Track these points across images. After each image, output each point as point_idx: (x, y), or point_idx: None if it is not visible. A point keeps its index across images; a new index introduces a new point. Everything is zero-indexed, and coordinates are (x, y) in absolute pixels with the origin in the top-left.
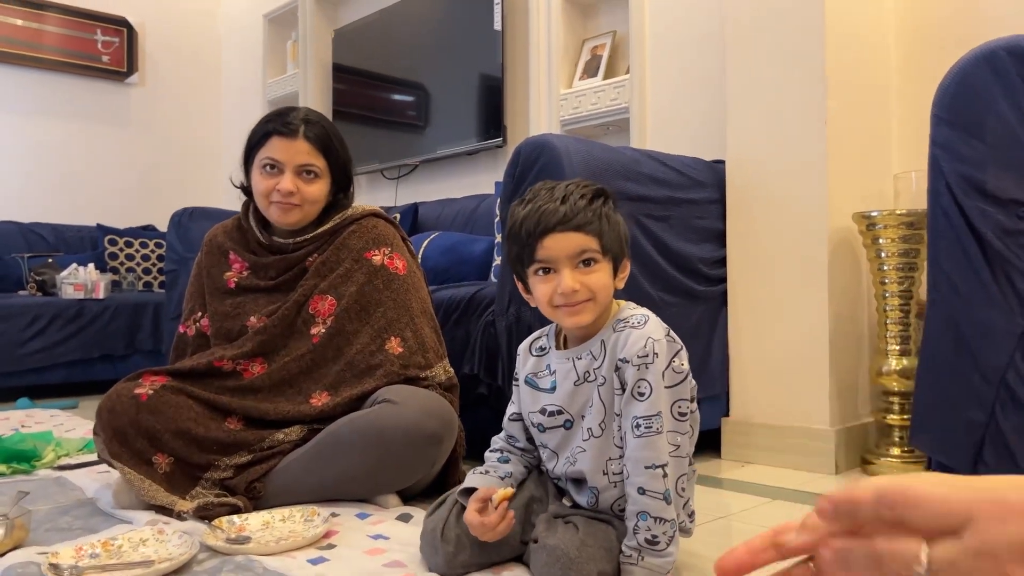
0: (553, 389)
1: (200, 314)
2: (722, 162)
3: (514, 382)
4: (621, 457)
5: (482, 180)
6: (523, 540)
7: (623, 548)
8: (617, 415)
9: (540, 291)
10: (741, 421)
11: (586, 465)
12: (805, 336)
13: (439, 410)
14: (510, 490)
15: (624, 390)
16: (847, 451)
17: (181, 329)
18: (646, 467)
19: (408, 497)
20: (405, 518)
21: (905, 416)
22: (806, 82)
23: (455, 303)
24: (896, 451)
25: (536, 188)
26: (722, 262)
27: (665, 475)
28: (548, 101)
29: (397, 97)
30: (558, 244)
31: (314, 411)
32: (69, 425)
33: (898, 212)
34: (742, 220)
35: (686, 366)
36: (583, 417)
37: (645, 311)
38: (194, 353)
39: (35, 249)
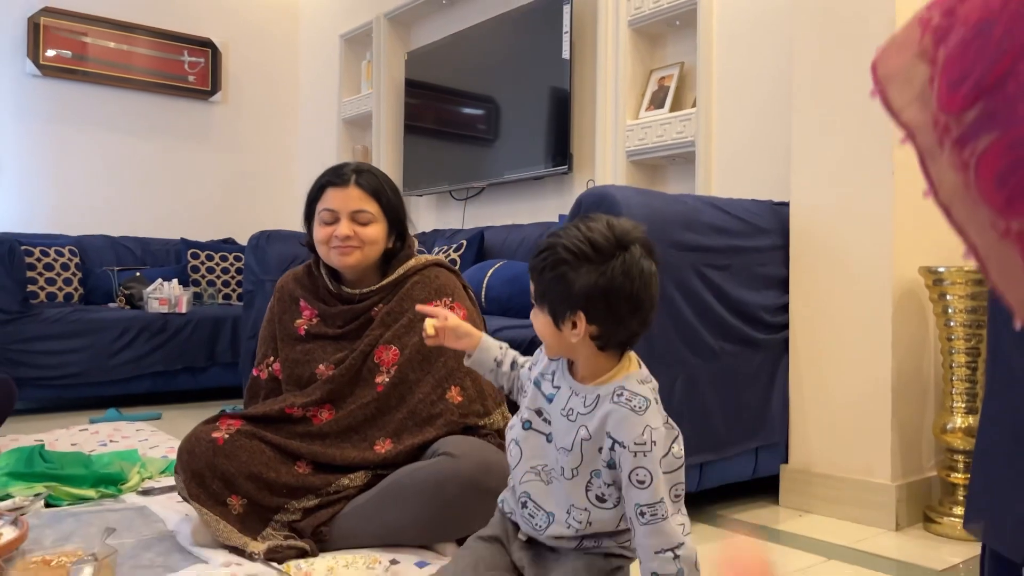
0: (550, 401)
1: (272, 359)
2: (787, 204)
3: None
4: (586, 510)
5: (547, 205)
6: None
7: None
8: (598, 476)
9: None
10: (801, 469)
11: (556, 495)
12: (867, 387)
13: (497, 464)
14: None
15: (614, 468)
16: (909, 506)
17: (255, 372)
18: (656, 552)
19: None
20: None
21: (969, 475)
22: (874, 130)
23: (516, 345)
24: (959, 510)
25: (572, 226)
26: (784, 308)
27: (676, 556)
28: (614, 131)
29: (467, 111)
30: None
31: (378, 458)
32: (153, 441)
33: (966, 268)
34: (805, 267)
35: (682, 451)
36: (559, 449)
37: (648, 394)
38: (267, 395)
39: (124, 262)
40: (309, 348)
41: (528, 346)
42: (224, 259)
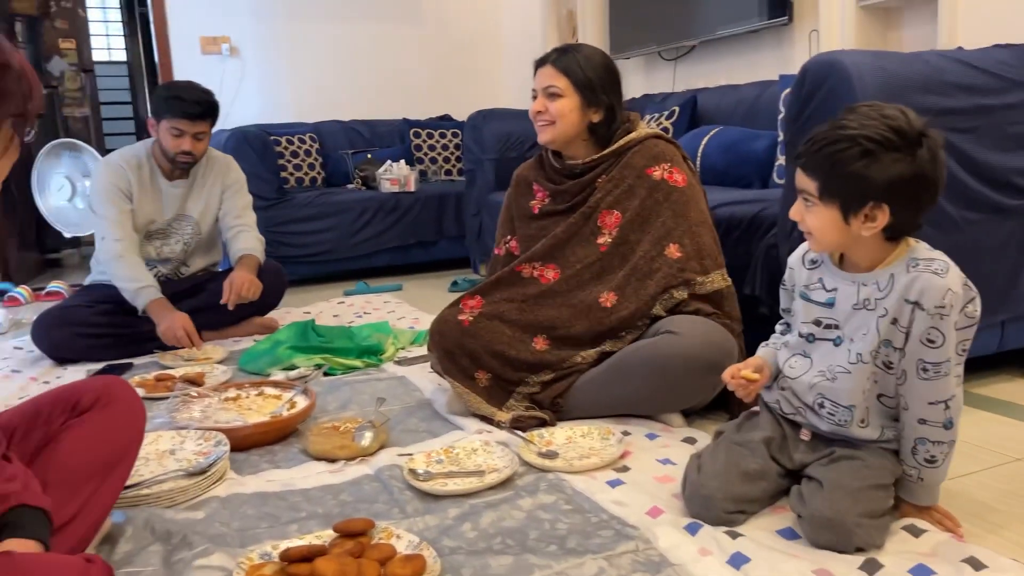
0: (831, 305)
1: (510, 238)
2: None
3: (782, 286)
4: (875, 383)
5: (766, 61)
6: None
7: (904, 468)
8: (896, 348)
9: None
10: None
11: (848, 385)
12: None
13: (720, 340)
14: (756, 376)
15: (907, 330)
16: None
17: (496, 251)
18: (929, 402)
19: (690, 412)
20: (690, 441)
21: None
22: None
23: (736, 222)
24: None
25: (847, 112)
26: None
27: (947, 407)
28: None
29: None
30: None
31: (605, 315)
32: (399, 312)
33: None
34: None
35: (978, 311)
36: (852, 340)
37: (945, 258)
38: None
39: (355, 145)
40: (543, 224)
41: (748, 224)
42: (443, 136)
